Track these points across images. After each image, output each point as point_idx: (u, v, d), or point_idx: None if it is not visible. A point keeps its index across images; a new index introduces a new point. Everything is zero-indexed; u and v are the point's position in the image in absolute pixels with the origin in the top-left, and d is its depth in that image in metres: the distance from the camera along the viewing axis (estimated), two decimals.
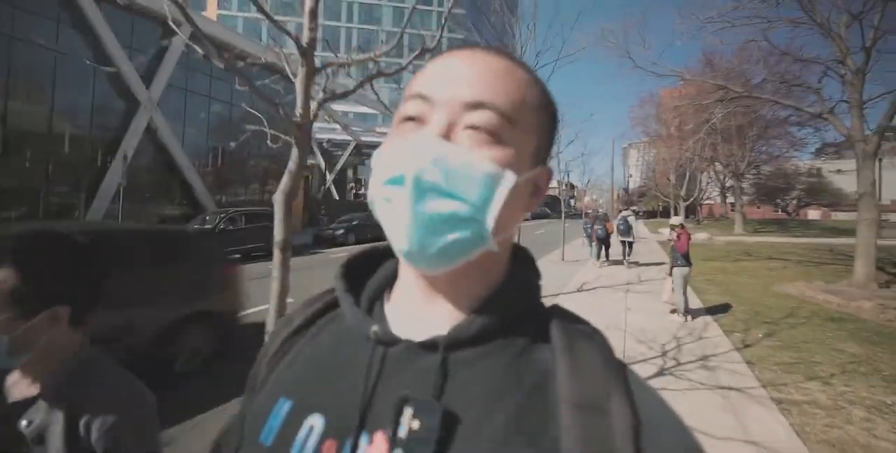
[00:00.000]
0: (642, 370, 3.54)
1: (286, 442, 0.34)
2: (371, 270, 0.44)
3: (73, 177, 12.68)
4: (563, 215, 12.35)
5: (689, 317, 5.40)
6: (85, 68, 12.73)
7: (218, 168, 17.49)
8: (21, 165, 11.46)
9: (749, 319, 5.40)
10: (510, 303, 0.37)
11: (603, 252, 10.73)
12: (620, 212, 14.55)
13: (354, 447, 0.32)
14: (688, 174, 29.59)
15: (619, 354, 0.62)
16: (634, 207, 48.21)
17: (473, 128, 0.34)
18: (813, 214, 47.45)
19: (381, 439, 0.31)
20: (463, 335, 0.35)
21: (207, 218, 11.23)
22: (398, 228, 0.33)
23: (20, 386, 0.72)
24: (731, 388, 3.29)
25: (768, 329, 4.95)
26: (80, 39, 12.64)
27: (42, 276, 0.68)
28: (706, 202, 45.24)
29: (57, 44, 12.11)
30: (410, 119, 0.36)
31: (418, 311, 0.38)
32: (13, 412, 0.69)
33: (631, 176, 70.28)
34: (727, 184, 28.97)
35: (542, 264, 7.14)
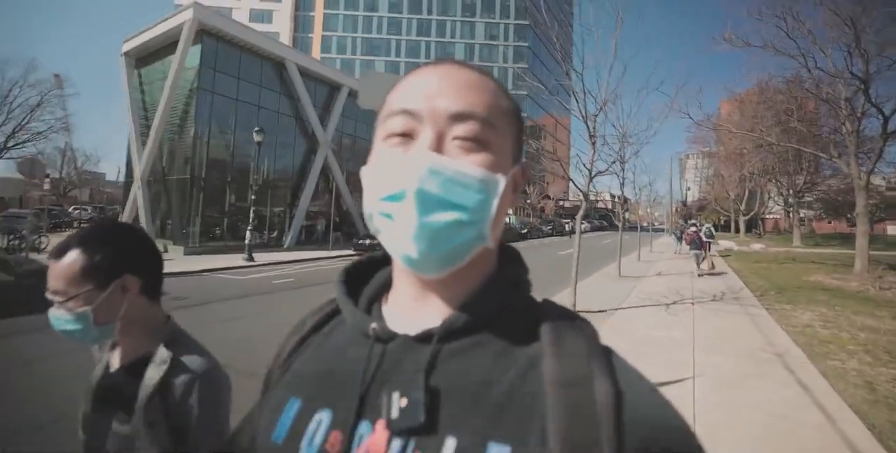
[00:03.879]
0: (705, 301, 7.49)
1: (296, 437, 0.37)
2: (368, 277, 0.48)
3: (282, 198, 18.30)
4: (639, 228, 16.05)
5: (698, 274, 10.08)
6: (289, 120, 18.51)
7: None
8: (245, 191, 17.08)
9: (769, 288, 9.08)
10: (498, 297, 0.39)
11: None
12: (703, 225, 18.84)
13: (358, 436, 0.35)
14: (747, 190, 31.59)
15: (689, 295, 5.50)
16: (703, 221, 49.86)
17: (461, 138, 0.36)
18: (892, 229, 46.01)
19: (381, 426, 0.35)
20: (454, 326, 0.37)
21: None
22: (404, 241, 0.35)
23: (119, 357, 0.81)
24: (746, 304, 7.20)
25: (781, 291, 8.64)
26: (287, 102, 18.41)
27: (105, 251, 0.76)
28: (770, 216, 45.72)
29: (278, 106, 17.92)
30: (397, 135, 0.38)
31: (413, 310, 0.41)
32: (114, 380, 0.79)
33: (689, 189, 70.47)
34: (789, 200, 30.66)
35: (627, 262, 11.56)
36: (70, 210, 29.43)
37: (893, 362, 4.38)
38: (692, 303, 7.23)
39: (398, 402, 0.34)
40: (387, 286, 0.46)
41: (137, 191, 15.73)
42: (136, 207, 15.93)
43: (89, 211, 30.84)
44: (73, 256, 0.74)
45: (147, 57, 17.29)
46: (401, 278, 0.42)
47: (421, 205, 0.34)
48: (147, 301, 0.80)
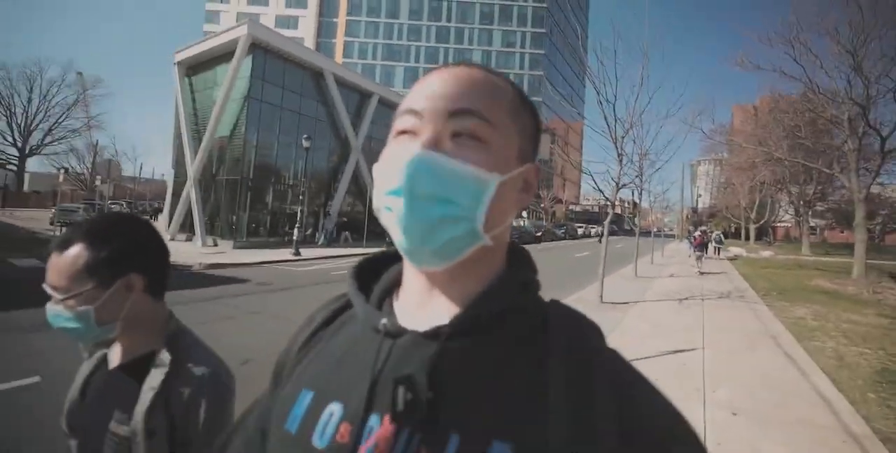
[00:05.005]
0: (713, 298, 8.58)
1: (309, 427, 0.39)
2: (380, 272, 0.49)
3: (317, 198, 19.67)
4: (652, 234, 17.02)
5: (699, 272, 11.52)
6: (324, 126, 19.86)
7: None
8: (285, 192, 18.45)
9: (772, 289, 10.14)
10: (506, 297, 0.40)
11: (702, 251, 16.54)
12: (713, 232, 20.53)
13: (367, 428, 0.36)
14: (758, 199, 32.29)
15: (699, 293, 6.64)
16: (713, 229, 51.12)
17: (458, 134, 0.38)
18: None
19: (388, 419, 0.36)
20: (462, 325, 0.38)
21: None
22: (400, 233, 0.37)
23: (117, 355, 0.78)
24: (749, 301, 8.29)
25: (782, 293, 9.70)
26: (323, 109, 19.79)
27: (112, 247, 0.72)
28: (780, 225, 46.21)
29: (316, 113, 19.30)
30: (404, 132, 0.40)
31: (422, 306, 0.42)
32: (113, 378, 0.76)
33: (700, 195, 70.96)
34: (799, 210, 31.33)
35: (640, 265, 12.80)
36: (106, 204, 31.31)
37: (864, 344, 5.47)
38: (702, 299, 8.33)
39: (403, 396, 0.35)
40: (398, 282, 0.47)
41: (191, 190, 17.15)
42: (190, 204, 17.34)
43: (124, 205, 32.78)
44: (77, 251, 0.71)
45: (197, 66, 18.79)
46: (410, 274, 0.44)
47: (412, 200, 0.36)
48: (151, 299, 0.78)
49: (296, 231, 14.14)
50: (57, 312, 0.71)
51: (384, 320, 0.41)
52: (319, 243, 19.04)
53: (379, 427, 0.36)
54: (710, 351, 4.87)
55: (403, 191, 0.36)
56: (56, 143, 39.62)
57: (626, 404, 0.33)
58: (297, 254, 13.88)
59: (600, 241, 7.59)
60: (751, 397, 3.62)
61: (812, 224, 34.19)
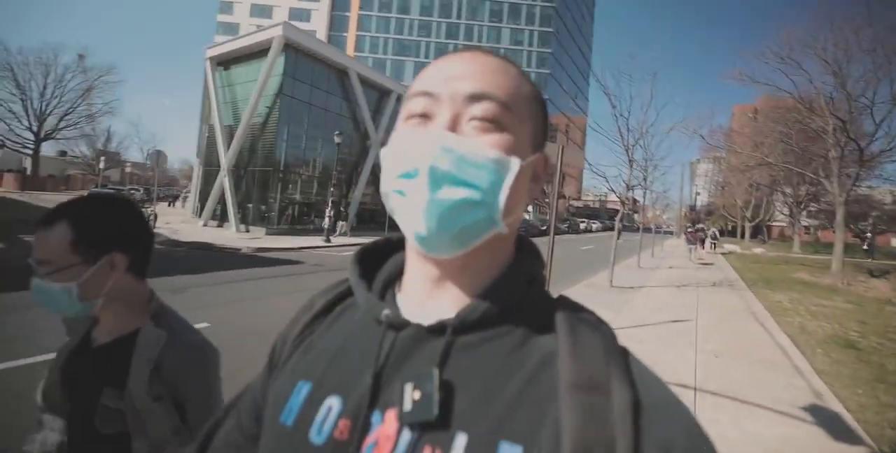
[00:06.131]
0: (707, 286, 9.93)
1: (306, 421, 0.37)
2: (383, 260, 0.47)
3: (341, 187, 20.87)
4: (653, 230, 18.38)
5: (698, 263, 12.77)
6: (346, 121, 20.99)
7: None
8: (311, 182, 19.62)
9: (758, 280, 11.51)
10: (513, 291, 0.39)
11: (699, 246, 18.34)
12: (710, 229, 22.45)
13: (368, 425, 0.35)
14: (753, 199, 33.67)
15: (694, 282, 8.23)
16: (710, 226, 52.90)
17: (477, 119, 0.36)
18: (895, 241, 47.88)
19: (391, 417, 0.34)
20: (468, 319, 0.37)
21: None
22: (415, 217, 0.35)
23: (102, 333, 0.82)
24: (737, 289, 9.65)
25: (767, 283, 11.06)
26: (346, 106, 20.88)
27: (98, 226, 0.75)
28: (776, 224, 47.75)
29: (339, 109, 20.40)
30: (416, 116, 0.38)
31: (427, 297, 0.40)
32: (100, 355, 0.79)
33: (698, 194, 72.29)
34: (793, 210, 32.75)
35: (644, 257, 14.46)
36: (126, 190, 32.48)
37: (825, 320, 6.82)
38: (697, 286, 9.67)
39: (411, 395, 0.34)
40: (401, 270, 0.45)
41: (224, 179, 18.30)
42: (222, 191, 18.49)
43: (141, 191, 33.88)
44: (65, 227, 0.73)
45: (228, 62, 19.80)
46: (414, 263, 0.42)
47: (432, 182, 0.34)
48: (133, 278, 0.81)
49: (326, 219, 15.39)
50: (41, 287, 0.73)
51: (386, 311, 0.39)
52: (340, 232, 20.28)
53: (381, 424, 0.35)
54: (701, 321, 6.20)
55: (420, 172, 0.35)
56: (69, 129, 40.43)
57: (639, 405, 0.31)
58: (328, 240, 15.14)
59: (618, 236, 8.85)
60: (729, 347, 4.96)
61: (805, 224, 35.71)
